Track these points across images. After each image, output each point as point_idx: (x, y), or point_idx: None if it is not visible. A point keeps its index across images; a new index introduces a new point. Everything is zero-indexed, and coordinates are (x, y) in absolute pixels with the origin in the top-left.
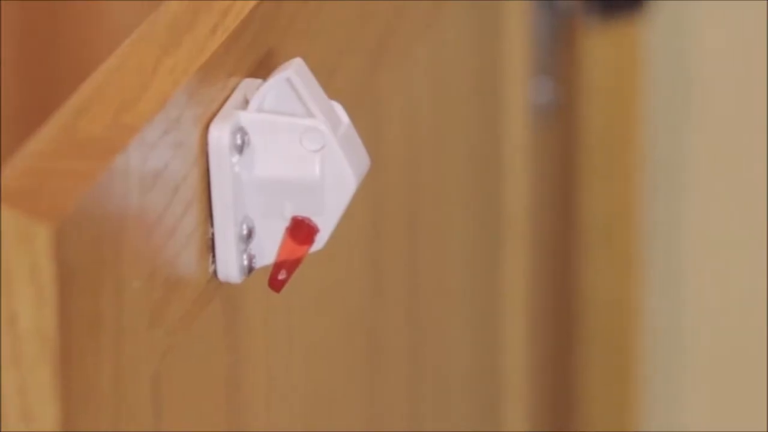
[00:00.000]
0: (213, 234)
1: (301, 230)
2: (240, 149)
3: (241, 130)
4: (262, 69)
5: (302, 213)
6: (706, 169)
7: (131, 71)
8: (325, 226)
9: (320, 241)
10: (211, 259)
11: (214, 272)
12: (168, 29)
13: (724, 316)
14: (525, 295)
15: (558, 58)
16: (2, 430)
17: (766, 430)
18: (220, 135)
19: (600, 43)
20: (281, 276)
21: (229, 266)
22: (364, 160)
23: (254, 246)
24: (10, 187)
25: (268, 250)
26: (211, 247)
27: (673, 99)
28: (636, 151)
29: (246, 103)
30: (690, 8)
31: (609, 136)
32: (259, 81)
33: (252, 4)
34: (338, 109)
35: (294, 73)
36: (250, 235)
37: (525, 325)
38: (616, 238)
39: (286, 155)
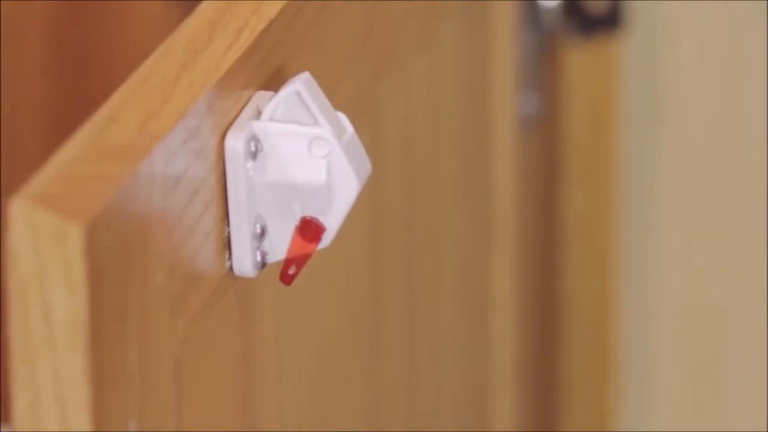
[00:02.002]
0: (229, 232)
1: (309, 229)
2: (254, 155)
3: (255, 138)
4: (274, 82)
5: (310, 213)
6: (681, 175)
7: (154, 85)
8: (331, 226)
9: (327, 239)
10: (227, 256)
11: (230, 267)
12: (187, 47)
13: (700, 315)
14: (511, 293)
15: (542, 72)
16: (38, 409)
17: (746, 429)
18: (235, 143)
19: (581, 59)
20: (291, 271)
21: (244, 262)
22: (366, 166)
23: (267, 243)
24: (45, 189)
25: (279, 247)
26: (228, 244)
27: (649, 110)
28: (614, 158)
29: (259, 113)
30: (665, 24)
31: (589, 144)
32: (270, 93)
33: (264, 24)
34: (343, 119)
35: (302, 86)
36: (263, 233)
37: (511, 322)
38: (595, 239)
39: (295, 161)
